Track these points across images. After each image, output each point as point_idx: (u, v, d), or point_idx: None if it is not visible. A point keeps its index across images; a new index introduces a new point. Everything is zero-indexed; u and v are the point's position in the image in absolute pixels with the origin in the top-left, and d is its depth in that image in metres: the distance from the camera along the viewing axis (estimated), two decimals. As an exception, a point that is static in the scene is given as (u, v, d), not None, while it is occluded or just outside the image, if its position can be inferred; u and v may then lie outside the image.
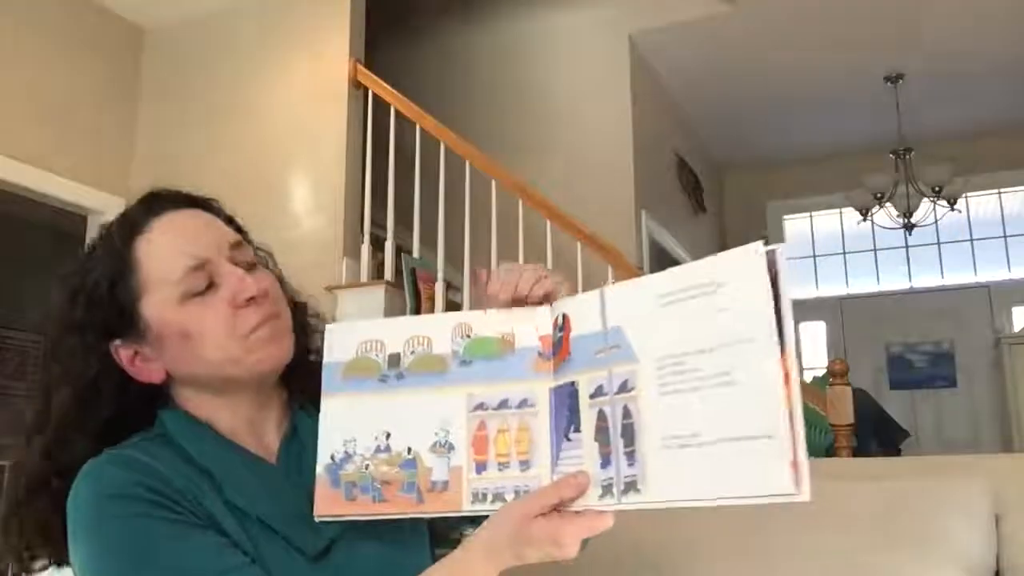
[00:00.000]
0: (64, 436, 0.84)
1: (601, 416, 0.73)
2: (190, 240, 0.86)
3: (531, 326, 0.81)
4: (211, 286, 0.85)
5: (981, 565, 1.29)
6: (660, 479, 0.68)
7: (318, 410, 0.93)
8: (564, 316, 0.80)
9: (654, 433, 0.69)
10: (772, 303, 0.66)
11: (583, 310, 0.78)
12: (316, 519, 0.80)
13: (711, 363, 0.67)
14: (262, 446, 0.91)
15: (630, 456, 0.70)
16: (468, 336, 0.82)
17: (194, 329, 0.84)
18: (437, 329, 0.83)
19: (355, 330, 0.85)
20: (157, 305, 0.85)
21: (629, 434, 0.71)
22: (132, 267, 0.85)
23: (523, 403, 0.78)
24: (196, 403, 0.89)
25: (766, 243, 0.68)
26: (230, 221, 0.94)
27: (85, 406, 0.85)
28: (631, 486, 0.69)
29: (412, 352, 0.83)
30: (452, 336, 0.83)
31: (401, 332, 0.84)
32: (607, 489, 0.71)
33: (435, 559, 0.93)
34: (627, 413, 0.71)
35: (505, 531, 0.71)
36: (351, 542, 0.85)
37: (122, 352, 0.86)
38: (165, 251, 0.85)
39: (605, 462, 0.71)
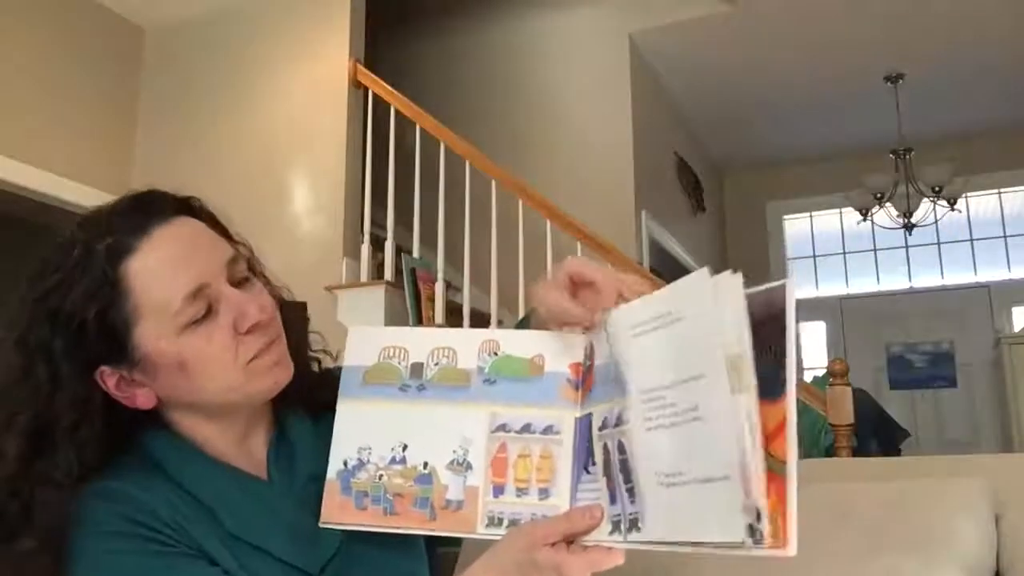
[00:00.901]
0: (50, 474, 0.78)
1: (606, 450, 0.72)
2: (185, 261, 0.78)
3: (563, 351, 0.78)
4: (210, 311, 0.79)
5: (981, 565, 1.29)
6: (657, 517, 0.66)
7: (308, 410, 0.90)
8: (591, 344, 0.77)
9: (647, 469, 0.67)
10: (732, 333, 0.62)
11: (599, 337, 0.76)
12: (321, 525, 0.78)
13: (683, 397, 0.65)
14: (251, 459, 0.87)
15: (631, 492, 0.68)
16: (495, 354, 0.80)
17: (192, 359, 0.78)
18: (463, 343, 0.81)
19: (379, 335, 0.82)
20: (152, 335, 0.78)
21: (626, 470, 0.69)
22: (123, 293, 0.77)
23: (548, 429, 0.76)
24: (187, 425, 0.84)
25: (777, 270, 0.65)
26: (214, 222, 0.87)
27: (71, 439, 0.78)
28: (634, 523, 0.67)
29: (436, 364, 0.80)
30: (479, 352, 0.80)
31: (426, 342, 0.81)
32: (616, 525, 0.69)
33: (436, 557, 0.93)
34: (621, 448, 0.70)
35: (512, 555, 0.70)
36: (350, 553, 0.83)
37: (108, 378, 0.80)
38: (159, 276, 0.77)
39: (612, 497, 0.70)
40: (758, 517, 0.58)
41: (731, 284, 0.64)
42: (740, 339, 0.62)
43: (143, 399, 0.81)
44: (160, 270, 0.78)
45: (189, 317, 0.78)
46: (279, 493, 0.85)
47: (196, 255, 0.79)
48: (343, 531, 0.80)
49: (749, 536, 0.58)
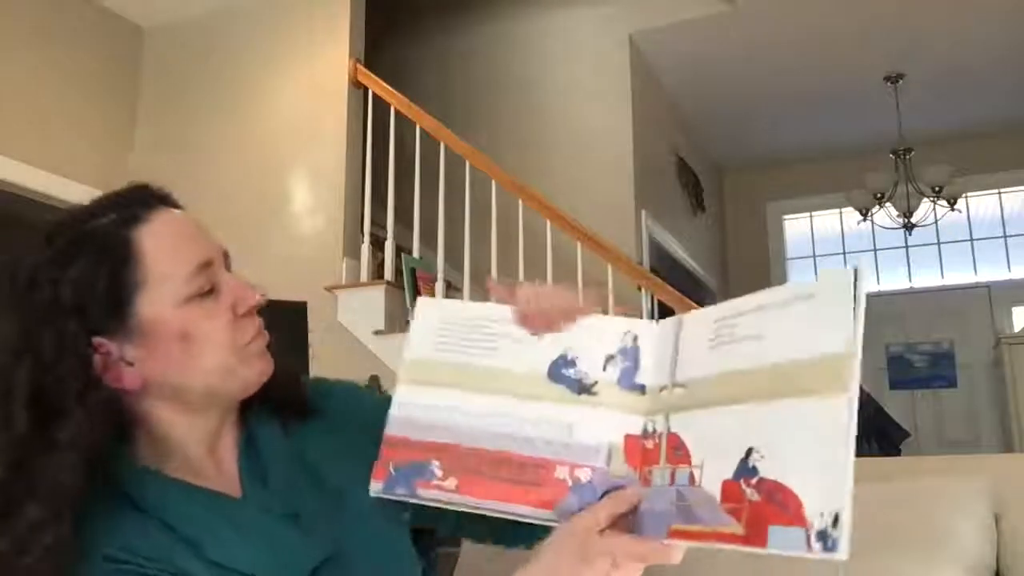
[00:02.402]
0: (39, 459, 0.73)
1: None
2: (192, 238, 0.82)
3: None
4: (211, 291, 0.80)
5: (981, 565, 1.30)
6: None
7: (276, 416, 0.90)
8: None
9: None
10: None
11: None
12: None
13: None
14: (220, 468, 0.84)
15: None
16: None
17: (195, 332, 0.78)
18: None
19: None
20: (157, 302, 0.78)
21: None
22: (133, 258, 0.77)
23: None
24: (161, 417, 0.81)
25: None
26: None
27: (81, 403, 0.74)
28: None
29: None
30: None
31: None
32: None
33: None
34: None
35: (569, 548, 0.68)
36: (337, 563, 0.81)
37: (101, 351, 0.77)
38: (172, 245, 0.79)
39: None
40: (835, 522, 0.56)
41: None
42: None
43: (130, 379, 0.78)
44: (173, 241, 0.80)
45: (195, 289, 0.79)
46: (255, 510, 0.82)
47: (204, 237, 0.83)
48: (326, 549, 0.80)
49: (819, 541, 0.56)
